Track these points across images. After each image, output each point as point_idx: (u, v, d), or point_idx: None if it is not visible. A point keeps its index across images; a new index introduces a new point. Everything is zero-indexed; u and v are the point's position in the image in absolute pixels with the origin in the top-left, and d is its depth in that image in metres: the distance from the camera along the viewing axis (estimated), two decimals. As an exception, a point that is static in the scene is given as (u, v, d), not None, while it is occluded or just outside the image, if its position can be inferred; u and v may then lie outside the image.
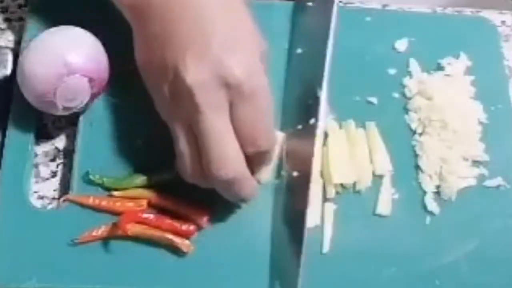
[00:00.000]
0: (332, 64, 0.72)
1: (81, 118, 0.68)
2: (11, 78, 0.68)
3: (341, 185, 0.68)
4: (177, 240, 0.64)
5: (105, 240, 0.64)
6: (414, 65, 0.75)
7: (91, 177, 0.66)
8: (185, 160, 0.62)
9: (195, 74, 0.59)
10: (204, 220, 0.65)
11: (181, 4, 0.61)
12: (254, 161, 0.64)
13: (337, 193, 0.68)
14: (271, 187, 0.67)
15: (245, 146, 0.61)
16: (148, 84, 0.64)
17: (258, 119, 0.61)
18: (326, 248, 0.66)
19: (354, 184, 0.68)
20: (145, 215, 0.64)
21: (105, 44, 0.67)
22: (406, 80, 0.74)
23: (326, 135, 0.69)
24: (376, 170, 0.69)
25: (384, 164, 0.69)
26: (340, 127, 0.71)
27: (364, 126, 0.71)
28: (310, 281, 0.64)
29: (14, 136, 0.67)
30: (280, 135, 0.68)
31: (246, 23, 0.63)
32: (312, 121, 0.68)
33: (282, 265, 0.64)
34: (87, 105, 0.67)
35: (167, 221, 0.64)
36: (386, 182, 0.69)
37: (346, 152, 0.69)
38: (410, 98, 0.73)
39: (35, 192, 0.67)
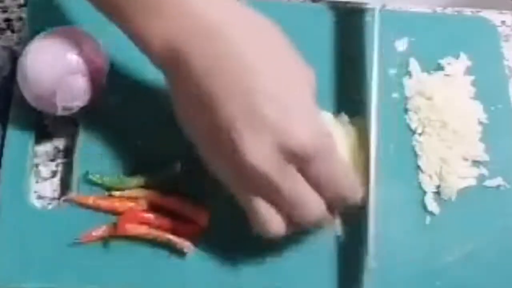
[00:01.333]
0: (333, 64, 0.73)
1: (81, 118, 0.68)
2: (11, 78, 0.68)
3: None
4: (177, 240, 0.64)
5: (105, 240, 0.64)
6: (414, 65, 0.75)
7: (91, 177, 0.66)
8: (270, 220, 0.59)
9: (256, 152, 0.55)
10: (204, 220, 0.65)
11: (219, 55, 0.56)
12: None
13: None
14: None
15: (329, 200, 0.59)
16: (201, 145, 0.60)
17: (332, 173, 0.58)
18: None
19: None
20: (145, 215, 0.64)
21: (105, 44, 0.67)
22: (406, 80, 0.74)
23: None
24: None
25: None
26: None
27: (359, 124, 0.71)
28: (311, 282, 0.64)
29: (14, 136, 0.67)
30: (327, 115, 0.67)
31: (291, 58, 0.59)
32: None
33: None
34: (87, 105, 0.67)
35: (167, 221, 0.64)
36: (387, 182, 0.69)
37: (344, 148, 0.69)
38: (410, 98, 0.74)
39: (35, 192, 0.67)
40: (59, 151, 0.69)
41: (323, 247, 0.66)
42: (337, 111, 0.71)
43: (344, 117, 0.70)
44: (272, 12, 0.76)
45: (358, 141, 0.69)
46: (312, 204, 0.59)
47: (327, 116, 0.70)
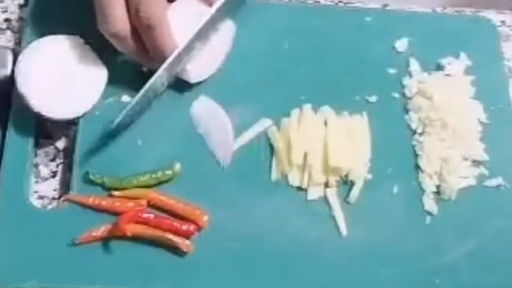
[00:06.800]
0: (333, 64, 0.73)
1: (81, 118, 0.68)
2: (11, 78, 0.68)
3: (338, 181, 0.68)
4: (177, 240, 0.64)
5: (105, 240, 0.64)
6: (414, 65, 0.75)
7: (91, 177, 0.66)
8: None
9: None
10: (204, 220, 0.65)
11: None
12: None
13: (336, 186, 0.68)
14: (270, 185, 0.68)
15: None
16: None
17: None
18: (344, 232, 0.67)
19: (352, 182, 0.68)
20: (145, 215, 0.64)
21: (104, 44, 0.67)
22: (406, 80, 0.74)
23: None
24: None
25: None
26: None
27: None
28: (311, 283, 0.65)
29: (14, 136, 0.67)
30: None
31: None
32: None
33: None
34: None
35: (167, 221, 0.65)
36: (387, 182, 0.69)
37: (344, 140, 0.69)
38: (410, 98, 0.74)
39: (35, 192, 0.67)
40: (59, 151, 0.69)
41: (323, 250, 0.66)
42: (337, 109, 0.71)
43: (344, 115, 0.71)
44: (273, 12, 0.76)
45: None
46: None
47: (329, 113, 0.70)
